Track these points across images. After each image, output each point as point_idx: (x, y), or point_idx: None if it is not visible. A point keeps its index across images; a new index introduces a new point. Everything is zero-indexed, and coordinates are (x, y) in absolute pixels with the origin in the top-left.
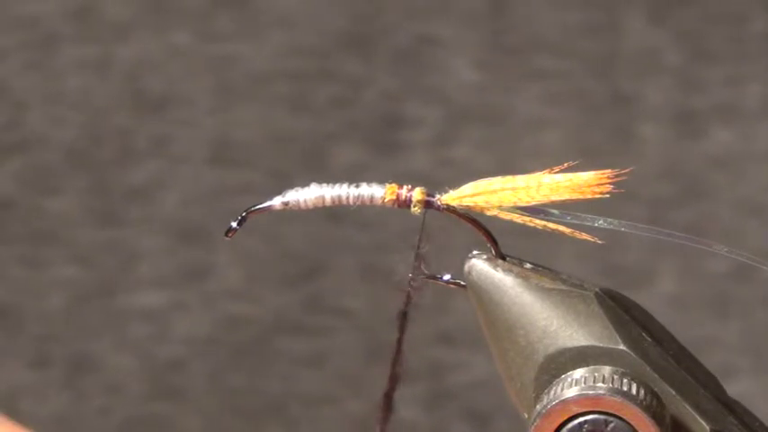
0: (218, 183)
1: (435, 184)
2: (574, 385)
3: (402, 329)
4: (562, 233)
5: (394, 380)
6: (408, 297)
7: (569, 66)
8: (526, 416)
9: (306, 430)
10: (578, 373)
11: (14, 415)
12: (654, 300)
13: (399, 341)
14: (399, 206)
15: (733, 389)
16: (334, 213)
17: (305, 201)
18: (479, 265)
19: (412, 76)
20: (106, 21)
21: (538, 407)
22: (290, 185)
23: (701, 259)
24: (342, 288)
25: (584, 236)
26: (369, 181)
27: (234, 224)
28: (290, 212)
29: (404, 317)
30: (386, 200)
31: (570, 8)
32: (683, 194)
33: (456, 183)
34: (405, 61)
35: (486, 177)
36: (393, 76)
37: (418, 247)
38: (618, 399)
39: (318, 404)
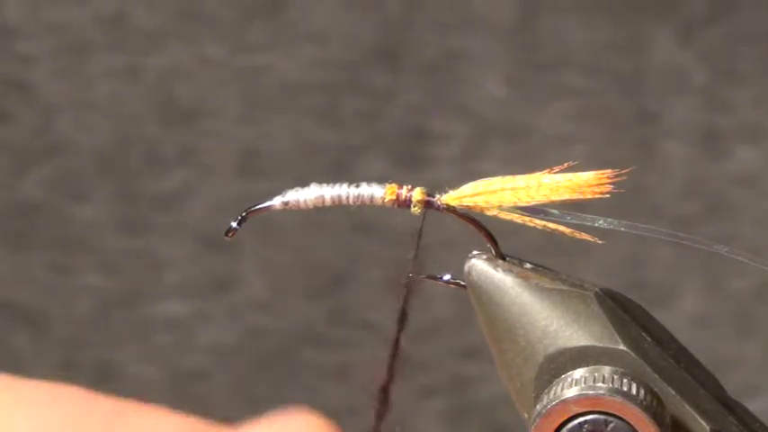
0: (245, 193)
1: None
2: (574, 385)
3: (400, 327)
4: (563, 234)
5: (391, 374)
6: (407, 296)
7: (596, 83)
8: (526, 416)
9: None
10: (578, 373)
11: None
12: (677, 317)
13: (397, 339)
14: (399, 206)
15: (755, 408)
16: (360, 225)
17: (305, 201)
18: (479, 266)
19: (439, 91)
20: (138, 30)
21: (538, 407)
22: None
23: (724, 277)
24: (367, 300)
25: (584, 236)
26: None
27: (234, 224)
28: (316, 222)
29: (402, 315)
30: (386, 200)
31: (598, 26)
32: (707, 212)
33: None
34: (433, 75)
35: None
36: (421, 89)
37: (417, 247)
38: (618, 399)
39: (342, 416)
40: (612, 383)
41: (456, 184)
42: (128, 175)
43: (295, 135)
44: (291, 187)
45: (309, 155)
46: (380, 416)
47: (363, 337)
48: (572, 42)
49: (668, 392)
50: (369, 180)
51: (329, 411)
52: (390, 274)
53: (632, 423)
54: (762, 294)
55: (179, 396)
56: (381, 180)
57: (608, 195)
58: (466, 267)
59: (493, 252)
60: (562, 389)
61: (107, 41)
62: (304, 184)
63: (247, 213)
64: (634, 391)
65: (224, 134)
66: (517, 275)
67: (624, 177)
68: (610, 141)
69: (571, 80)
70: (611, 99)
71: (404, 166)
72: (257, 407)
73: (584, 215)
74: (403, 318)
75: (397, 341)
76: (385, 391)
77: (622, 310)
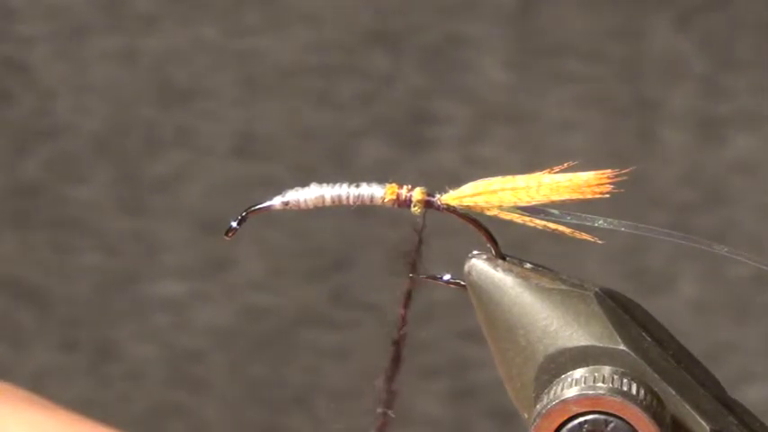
0: (242, 175)
1: (460, 183)
2: (574, 385)
3: (402, 327)
4: (563, 234)
5: (393, 374)
6: (408, 296)
7: (596, 69)
8: (526, 416)
9: (328, 423)
10: (578, 373)
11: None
12: (675, 304)
13: (399, 339)
14: (399, 206)
15: (753, 394)
16: (360, 207)
17: (305, 200)
18: (479, 265)
19: (439, 74)
20: (134, 12)
21: (538, 407)
22: (315, 180)
23: (722, 264)
24: (366, 282)
25: (584, 236)
26: (394, 177)
27: (234, 224)
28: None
29: (404, 315)
30: (386, 200)
31: (598, 12)
32: (706, 200)
33: None
34: (432, 59)
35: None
36: (420, 73)
37: (418, 247)
38: (618, 399)
39: (341, 397)
40: (612, 383)
41: (457, 168)
42: (125, 156)
43: (292, 118)
44: (287, 171)
45: (306, 138)
46: (386, 409)
47: (362, 319)
48: (572, 29)
49: (668, 392)
50: (368, 165)
51: (327, 392)
52: (390, 257)
53: (632, 423)
54: (760, 281)
55: (177, 376)
56: (380, 165)
57: (608, 195)
58: (466, 267)
59: (493, 252)
60: (562, 389)
61: (104, 24)
62: (301, 168)
63: (247, 213)
64: (634, 391)
65: (221, 116)
66: (517, 275)
67: (625, 177)
68: (609, 128)
69: (571, 66)
70: (611, 86)
71: (403, 149)
72: (255, 387)
73: (584, 215)
74: (404, 318)
75: (399, 341)
76: (390, 386)
77: (622, 310)
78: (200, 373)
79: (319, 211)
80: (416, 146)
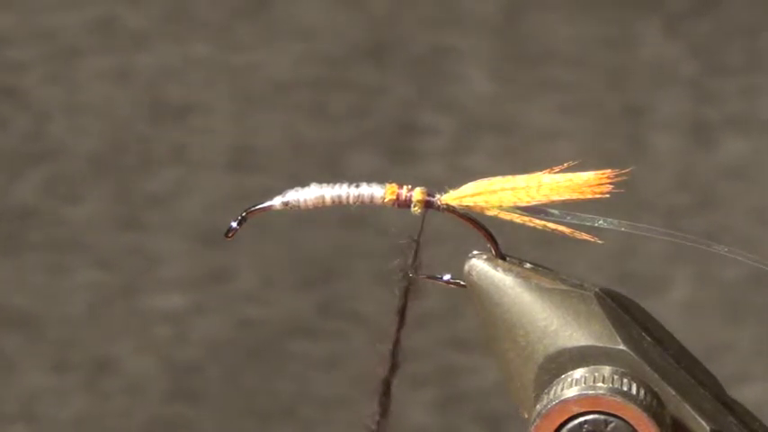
0: (237, 189)
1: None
2: (574, 385)
3: (399, 327)
4: (563, 234)
5: (393, 372)
6: (406, 296)
7: (583, 77)
8: (526, 416)
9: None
10: (578, 373)
11: (33, 418)
12: (668, 306)
13: (396, 340)
14: (399, 206)
15: (747, 395)
16: (350, 219)
17: (305, 201)
18: (479, 266)
19: (427, 86)
20: (126, 31)
21: (538, 407)
22: None
23: (715, 266)
24: (356, 293)
25: (584, 236)
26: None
27: (234, 224)
28: (307, 216)
29: (402, 315)
30: (386, 200)
31: (585, 20)
32: (697, 204)
33: None
34: (420, 71)
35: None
36: (409, 85)
37: (416, 247)
38: (618, 399)
39: (332, 406)
40: (612, 383)
41: (445, 178)
42: (121, 174)
43: (285, 131)
44: (282, 182)
45: (300, 150)
46: (383, 412)
47: (353, 329)
48: (559, 37)
49: (668, 392)
50: (359, 175)
51: (318, 401)
52: (385, 268)
53: (632, 423)
54: (752, 283)
55: (175, 389)
56: (371, 175)
57: (608, 195)
58: (466, 267)
59: (493, 252)
60: (562, 389)
61: (96, 45)
62: (295, 179)
63: (247, 213)
64: (634, 391)
65: (215, 132)
66: (517, 275)
67: (624, 177)
68: (598, 135)
69: (558, 74)
70: (599, 93)
71: (393, 160)
72: (248, 398)
73: (584, 215)
74: (402, 318)
75: (396, 340)
76: (387, 388)
77: (622, 310)
78: (198, 385)
79: (311, 222)
80: (405, 157)
